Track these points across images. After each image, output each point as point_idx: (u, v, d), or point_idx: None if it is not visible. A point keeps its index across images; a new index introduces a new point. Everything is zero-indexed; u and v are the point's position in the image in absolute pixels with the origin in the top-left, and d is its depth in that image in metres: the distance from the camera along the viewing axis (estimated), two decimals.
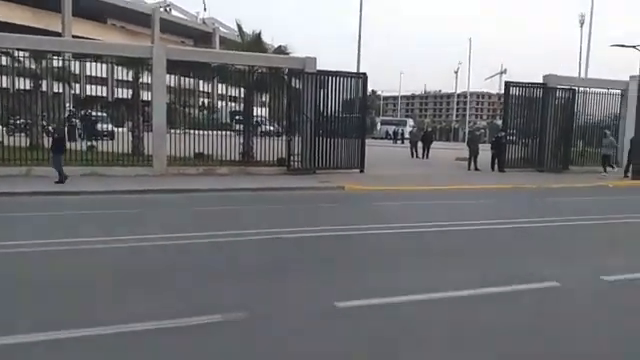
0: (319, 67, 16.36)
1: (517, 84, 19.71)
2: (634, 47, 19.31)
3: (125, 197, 11.53)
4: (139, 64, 16.99)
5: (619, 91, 21.27)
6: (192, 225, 8.74)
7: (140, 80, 17.91)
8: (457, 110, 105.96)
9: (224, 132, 16.85)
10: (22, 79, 18.64)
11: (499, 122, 28.66)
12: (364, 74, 17.61)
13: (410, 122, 69.01)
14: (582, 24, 39.44)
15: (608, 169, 18.71)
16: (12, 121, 19.45)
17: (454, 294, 5.11)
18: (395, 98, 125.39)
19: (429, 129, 36.69)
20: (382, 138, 57.69)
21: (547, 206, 12.19)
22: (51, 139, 13.74)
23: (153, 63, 15.11)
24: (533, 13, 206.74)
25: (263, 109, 24.88)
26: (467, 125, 46.33)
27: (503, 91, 20.44)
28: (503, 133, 19.70)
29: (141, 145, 17.53)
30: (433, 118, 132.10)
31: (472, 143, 20.59)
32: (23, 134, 18.01)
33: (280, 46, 18.65)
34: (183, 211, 10.23)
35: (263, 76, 17.32)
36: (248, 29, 18.61)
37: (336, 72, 16.81)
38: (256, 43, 17.58)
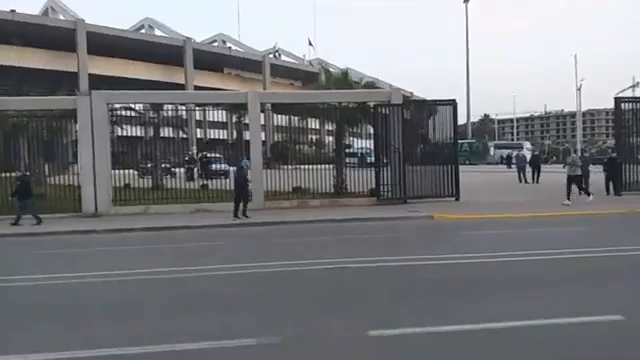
0: (430, 97, 16.53)
1: (630, 99, 18.00)
2: None
3: (218, 230, 12.62)
4: (242, 108, 18.58)
5: None
6: (256, 255, 9.31)
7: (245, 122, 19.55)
8: (584, 129, 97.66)
9: (329, 165, 17.69)
10: (146, 128, 21.38)
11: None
12: (453, 100, 17.37)
13: (527, 145, 64.83)
14: None
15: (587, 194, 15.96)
16: (142, 165, 22.27)
17: None
18: (512, 121, 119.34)
19: (536, 152, 34.51)
20: (497, 163, 54.93)
21: None
22: (17, 185, 14.20)
23: (249, 107, 16.49)
24: None
25: (370, 141, 25.47)
26: (579, 145, 42.58)
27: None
28: (615, 154, 17.93)
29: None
30: (556, 139, 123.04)
31: (582, 165, 18.93)
32: (150, 176, 20.51)
33: (368, 82, 19.24)
34: (254, 243, 10.98)
35: (353, 110, 17.94)
36: (347, 66, 19.47)
37: (423, 101, 16.88)
38: (344, 80, 18.33)
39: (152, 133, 21.22)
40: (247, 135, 19.36)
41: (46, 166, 18.70)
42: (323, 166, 17.62)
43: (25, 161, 18.96)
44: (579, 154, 30.19)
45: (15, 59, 44.09)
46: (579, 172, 16.16)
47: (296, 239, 11.20)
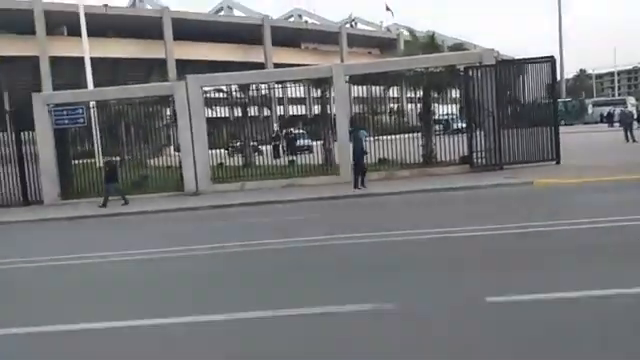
0: (517, 56, 15.59)
1: None
2: None
3: (310, 203, 12.95)
4: (325, 83, 18.60)
5: None
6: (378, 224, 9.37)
7: (328, 96, 19.60)
8: None
9: (413, 134, 17.34)
10: (235, 108, 22.12)
11: None
12: (551, 57, 16.17)
13: (631, 100, 59.23)
14: None
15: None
16: (231, 144, 23.22)
17: None
18: (612, 74, 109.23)
19: None
20: (596, 122, 50.85)
21: None
22: (106, 170, 15.04)
23: (334, 81, 16.44)
24: None
25: (454, 106, 24.59)
26: None
27: None
28: None
29: (330, 156, 19.08)
30: None
31: None
32: (240, 155, 21.37)
33: (455, 43, 18.38)
34: (358, 213, 11.07)
35: (440, 75, 17.30)
36: (428, 28, 18.80)
37: (518, 60, 15.87)
38: (430, 44, 17.69)
39: (240, 113, 21.95)
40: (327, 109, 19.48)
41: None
42: (407, 135, 17.25)
43: (126, 146, 20.44)
44: None
45: (110, 51, 47.23)
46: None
47: (401, 209, 11.33)
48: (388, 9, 68.16)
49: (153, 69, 47.80)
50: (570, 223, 7.93)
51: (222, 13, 63.38)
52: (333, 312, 4.81)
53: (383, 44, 67.45)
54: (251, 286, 6.15)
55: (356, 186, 13.88)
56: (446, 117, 22.56)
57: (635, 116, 26.40)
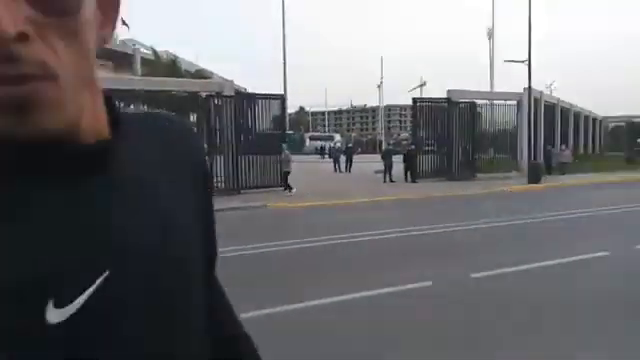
0: (253, 89, 16.97)
1: (424, 99, 21.38)
2: (522, 62, 21.56)
3: None
4: None
5: (515, 102, 23.52)
6: None
7: None
8: (386, 122, 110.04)
9: None
10: None
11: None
12: (282, 95, 18.47)
13: (337, 137, 71.07)
14: (490, 37, 43.06)
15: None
16: None
17: None
18: (324, 113, 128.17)
19: (350, 144, 38.55)
20: (312, 153, 59.05)
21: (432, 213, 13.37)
22: None
23: None
24: (447, 29, 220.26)
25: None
26: (384, 137, 48.76)
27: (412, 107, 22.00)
28: (413, 146, 21.15)
29: None
30: (360, 131, 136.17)
31: (386, 156, 21.88)
32: None
33: (198, 70, 19.04)
34: None
35: (184, 99, 17.61)
36: (169, 49, 18.95)
37: (254, 94, 17.50)
38: (172, 67, 17.88)
39: None
40: None
41: None
42: None
43: None
44: (385, 146, 34.46)
45: None
46: (289, 168, 17.41)
47: None
48: (124, 23, 64.95)
49: None
50: (306, 241, 9.21)
51: None
52: None
53: (117, 57, 63.63)
54: None
55: None
56: None
57: (343, 150, 31.83)
